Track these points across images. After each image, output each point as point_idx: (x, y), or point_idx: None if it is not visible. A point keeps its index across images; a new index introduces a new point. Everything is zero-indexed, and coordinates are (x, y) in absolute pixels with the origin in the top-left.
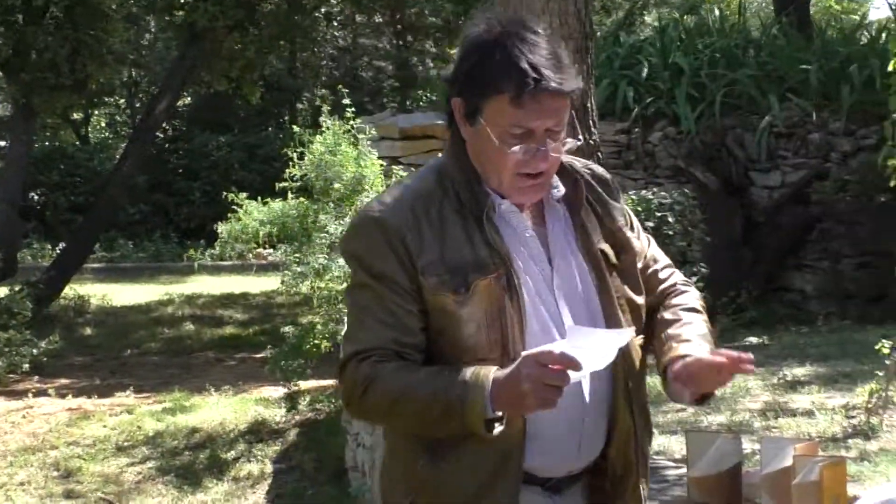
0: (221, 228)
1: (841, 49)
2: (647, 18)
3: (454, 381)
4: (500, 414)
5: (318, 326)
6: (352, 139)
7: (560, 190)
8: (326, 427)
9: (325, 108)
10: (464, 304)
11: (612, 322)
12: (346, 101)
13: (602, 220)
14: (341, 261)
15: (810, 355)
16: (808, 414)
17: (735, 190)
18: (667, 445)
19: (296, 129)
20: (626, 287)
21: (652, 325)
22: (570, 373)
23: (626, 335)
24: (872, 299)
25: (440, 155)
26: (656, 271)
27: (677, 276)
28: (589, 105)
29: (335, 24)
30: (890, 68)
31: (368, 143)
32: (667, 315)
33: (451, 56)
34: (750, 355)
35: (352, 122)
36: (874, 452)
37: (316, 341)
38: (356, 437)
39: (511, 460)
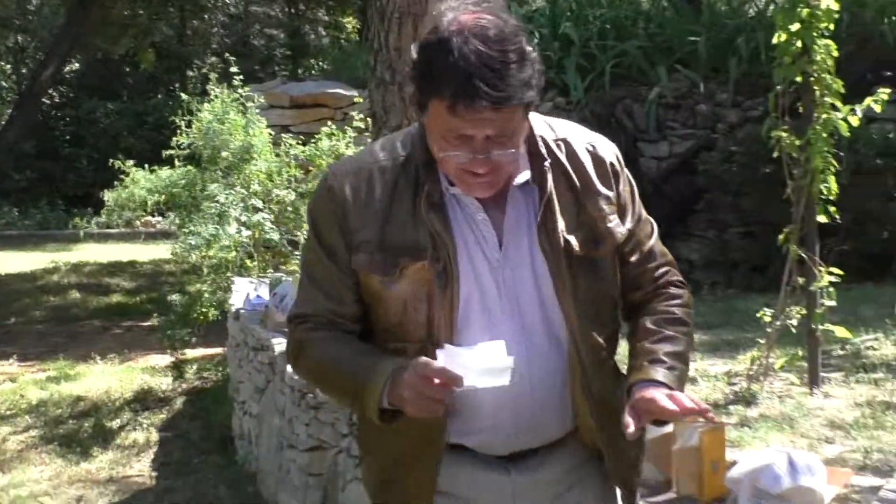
0: (108, 196)
1: (729, 21)
2: None
3: (364, 365)
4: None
5: (206, 295)
6: (240, 107)
7: (525, 175)
8: (213, 395)
9: (213, 76)
10: (389, 285)
11: (563, 312)
12: (235, 69)
13: (582, 207)
14: (230, 230)
15: (695, 323)
16: (691, 381)
17: (624, 160)
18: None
19: (184, 96)
20: (596, 277)
21: (634, 325)
22: (467, 382)
23: (498, 346)
24: (757, 268)
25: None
26: (649, 268)
27: (672, 276)
28: None
29: None
30: (775, 41)
31: (258, 111)
32: (648, 323)
33: (343, 23)
34: (707, 409)
35: (241, 90)
36: (754, 419)
37: (203, 310)
38: (243, 405)
39: (434, 431)
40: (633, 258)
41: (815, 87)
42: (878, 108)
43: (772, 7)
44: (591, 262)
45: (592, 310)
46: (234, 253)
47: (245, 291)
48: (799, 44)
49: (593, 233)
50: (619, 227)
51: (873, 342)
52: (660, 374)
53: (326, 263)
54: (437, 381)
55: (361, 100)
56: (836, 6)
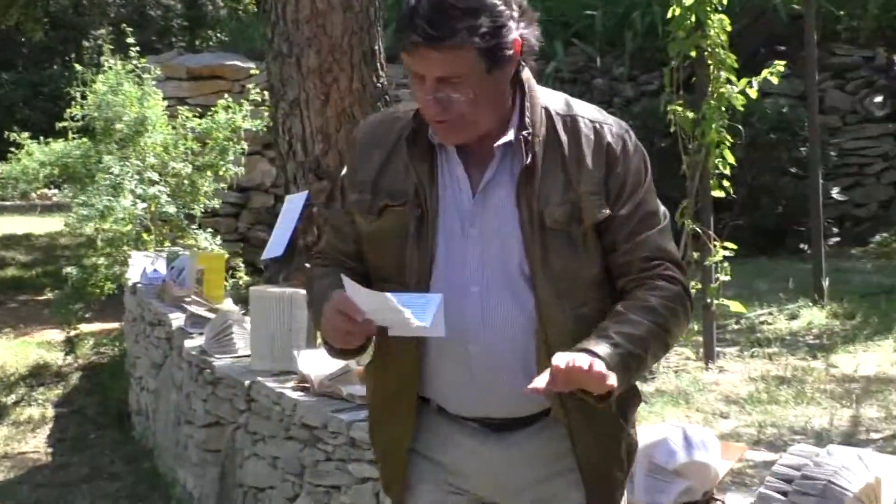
0: (2, 169)
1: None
2: None
3: (321, 301)
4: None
5: (102, 269)
6: (136, 79)
7: (507, 138)
8: (110, 371)
9: (107, 47)
10: (371, 224)
11: (532, 282)
12: (131, 39)
13: (570, 183)
14: (126, 202)
15: None
16: None
17: None
18: None
19: (79, 67)
20: (573, 254)
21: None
22: (392, 329)
23: (383, 297)
24: None
25: None
26: (640, 257)
27: (665, 270)
28: (377, 48)
29: None
30: (669, 15)
31: (154, 83)
32: (619, 307)
33: None
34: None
35: (136, 61)
36: (650, 394)
37: (99, 284)
38: (140, 380)
39: (408, 385)
40: (625, 245)
41: (710, 62)
42: (774, 80)
43: None
44: (567, 237)
45: (563, 285)
46: (129, 226)
47: (142, 265)
48: (693, 18)
49: (574, 209)
50: (600, 209)
51: (767, 317)
52: (599, 347)
53: (338, 203)
54: (341, 311)
55: (259, 72)
56: None
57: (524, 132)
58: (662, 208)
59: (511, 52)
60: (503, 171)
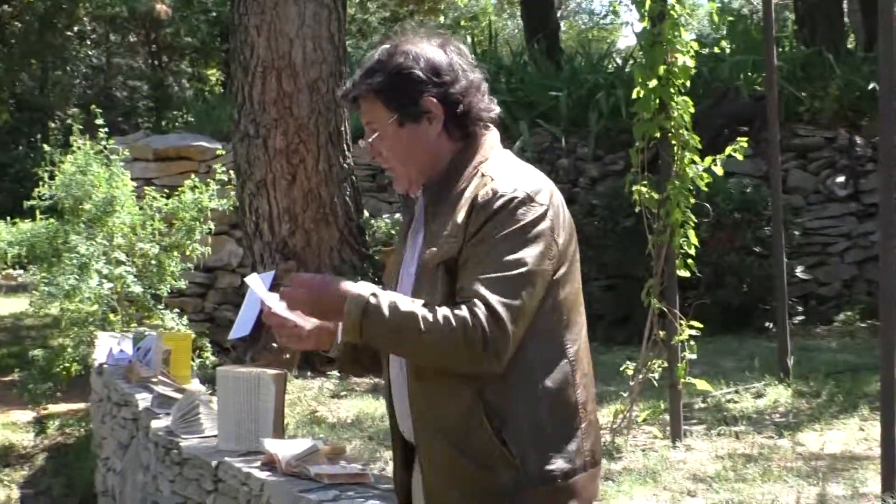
0: None
1: (589, 77)
2: None
3: None
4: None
5: (69, 349)
6: (104, 159)
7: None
8: (76, 451)
9: (76, 127)
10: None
11: None
12: (100, 120)
13: (443, 228)
14: (92, 282)
15: None
16: None
17: None
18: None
19: (46, 147)
20: (432, 287)
21: None
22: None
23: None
24: (618, 321)
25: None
26: (460, 297)
27: (469, 303)
28: (343, 129)
29: (88, 42)
30: (633, 97)
31: (122, 163)
32: None
33: (207, 76)
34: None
35: (104, 142)
36: (618, 472)
37: (66, 364)
38: (106, 461)
39: (389, 413)
40: (458, 287)
41: (674, 143)
42: (739, 157)
43: (631, 63)
44: (432, 275)
45: None
46: (95, 306)
47: (108, 346)
48: (657, 100)
49: (432, 250)
50: (443, 252)
51: (734, 395)
52: (360, 285)
53: None
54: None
55: (224, 152)
56: (692, 63)
57: (428, 183)
58: (520, 269)
59: (420, 109)
60: (418, 213)
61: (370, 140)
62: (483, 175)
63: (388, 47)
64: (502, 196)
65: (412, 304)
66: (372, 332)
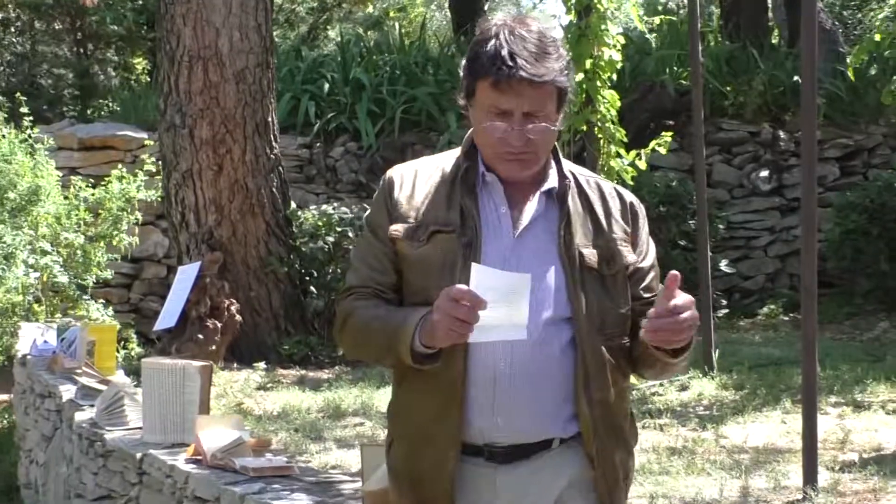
0: None
1: None
2: (331, 33)
3: (399, 315)
4: (429, 349)
5: None
6: (28, 148)
7: (551, 184)
8: None
9: (1, 115)
10: (416, 248)
11: (574, 317)
12: (25, 109)
13: (600, 230)
14: (18, 271)
15: None
16: None
17: None
18: (343, 459)
19: None
20: (604, 291)
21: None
22: (480, 331)
23: (526, 279)
24: None
25: None
26: (647, 299)
27: None
28: (270, 119)
29: (13, 30)
30: None
31: (46, 153)
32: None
33: (133, 65)
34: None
35: (29, 131)
36: None
37: None
38: (29, 453)
39: (453, 403)
40: (646, 295)
41: (600, 136)
42: (663, 151)
43: None
44: (600, 277)
45: (598, 320)
46: (21, 296)
47: (32, 336)
48: (584, 94)
49: (606, 254)
50: (629, 254)
51: (658, 388)
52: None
53: (370, 240)
54: (463, 302)
55: (151, 143)
56: (618, 57)
57: (565, 180)
58: None
59: (570, 96)
60: (542, 214)
61: (541, 126)
62: (597, 180)
63: (547, 30)
64: (639, 204)
65: None
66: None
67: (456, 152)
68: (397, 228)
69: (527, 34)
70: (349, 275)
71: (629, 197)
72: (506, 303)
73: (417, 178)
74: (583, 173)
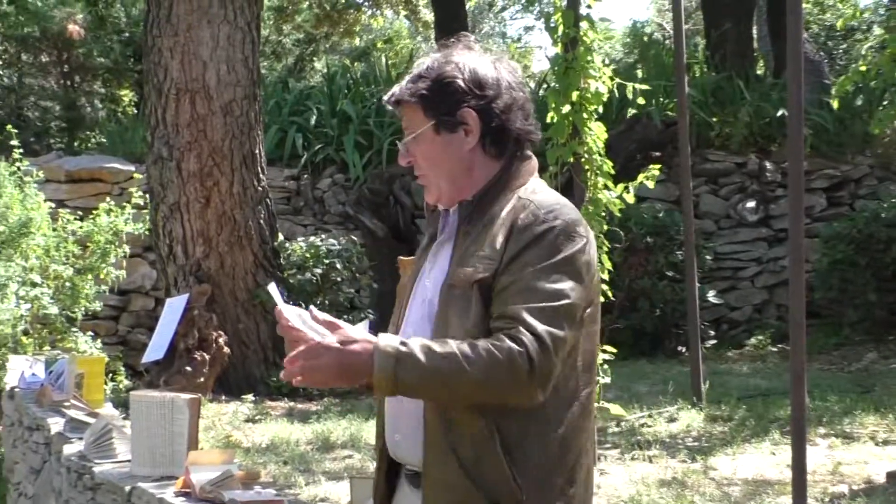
0: None
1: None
2: (317, 65)
3: None
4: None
5: None
6: (18, 181)
7: (454, 207)
8: None
9: None
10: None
11: (433, 330)
12: (15, 141)
13: (478, 248)
14: (10, 303)
15: None
16: None
17: (402, 237)
18: (332, 492)
19: None
20: (453, 308)
21: None
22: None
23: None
24: None
25: None
26: (500, 323)
27: (513, 330)
28: (257, 152)
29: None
30: (548, 121)
31: (35, 185)
32: None
33: (120, 97)
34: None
35: (19, 162)
36: None
37: None
38: (18, 486)
39: (379, 433)
40: (497, 311)
41: (587, 168)
42: (650, 185)
43: (544, 88)
44: (464, 296)
45: (449, 336)
46: (10, 328)
47: (20, 369)
48: (570, 126)
49: (463, 271)
50: (483, 272)
51: (647, 419)
52: (386, 337)
53: None
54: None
55: (140, 176)
56: (605, 89)
57: (468, 199)
58: (563, 301)
59: (457, 120)
60: (447, 229)
61: (405, 142)
62: (521, 198)
63: (440, 56)
64: (544, 222)
65: (447, 344)
66: (409, 381)
67: None
68: None
69: (424, 58)
70: None
71: (524, 214)
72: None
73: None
74: (524, 193)
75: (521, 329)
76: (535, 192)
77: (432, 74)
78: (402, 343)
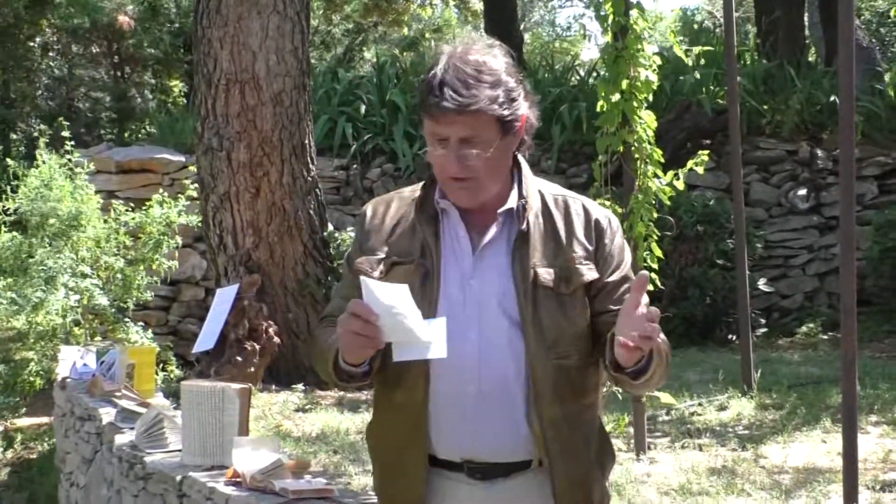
0: None
1: (552, 90)
2: (367, 55)
3: (333, 336)
4: (357, 367)
5: (33, 364)
6: (68, 173)
7: (510, 205)
8: (39, 466)
9: (43, 140)
10: (379, 280)
11: (523, 334)
12: (66, 133)
13: (560, 250)
14: (60, 294)
15: None
16: None
17: None
18: None
19: (10, 161)
20: (561, 310)
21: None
22: (398, 348)
23: (403, 288)
24: None
25: None
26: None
27: None
28: (307, 142)
29: (51, 53)
30: (598, 110)
31: (86, 177)
32: None
33: (170, 87)
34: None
35: (69, 155)
36: None
37: (31, 378)
38: (70, 476)
39: (420, 428)
40: (616, 307)
41: (637, 157)
42: (700, 171)
43: (594, 76)
44: (556, 296)
45: (551, 338)
46: (61, 319)
47: (72, 360)
48: (620, 115)
49: (564, 273)
50: (589, 272)
51: (697, 408)
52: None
53: (345, 271)
54: (356, 315)
55: (193, 167)
56: (654, 77)
57: (522, 201)
58: None
59: (518, 123)
60: (502, 234)
61: (475, 153)
62: (550, 193)
63: (491, 60)
64: (609, 217)
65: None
66: (657, 367)
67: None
68: (361, 261)
69: (463, 65)
70: (328, 304)
71: (596, 213)
72: (404, 313)
73: (389, 210)
74: (554, 192)
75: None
76: (564, 190)
77: (498, 79)
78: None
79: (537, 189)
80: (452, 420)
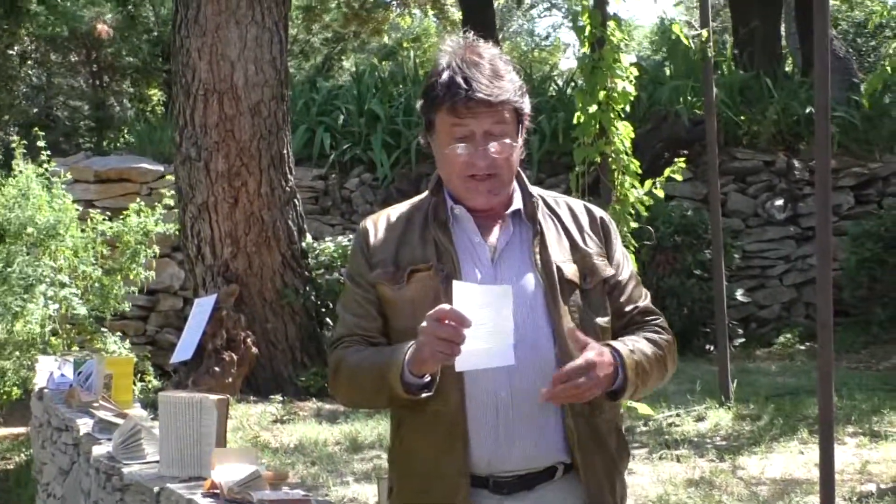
0: None
1: (530, 99)
2: (346, 64)
3: (388, 351)
4: (421, 379)
5: (9, 373)
6: (45, 182)
7: (517, 206)
8: (16, 477)
9: (19, 151)
10: (399, 291)
11: (553, 332)
12: (42, 143)
13: (574, 246)
14: (39, 303)
15: None
16: None
17: None
18: (360, 493)
19: None
20: (585, 304)
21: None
22: (467, 356)
23: (507, 289)
24: None
25: None
26: (637, 312)
27: (656, 322)
28: (285, 152)
29: (30, 62)
30: (575, 121)
31: (63, 186)
32: (629, 334)
33: (149, 96)
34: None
35: (46, 165)
36: None
37: (7, 388)
38: (47, 487)
39: (456, 437)
40: (628, 305)
41: (614, 167)
42: (678, 178)
43: (571, 87)
44: (581, 292)
45: (586, 334)
46: (40, 328)
47: (49, 370)
48: (597, 125)
49: (584, 268)
50: (606, 267)
51: (675, 419)
52: (617, 343)
53: (353, 289)
54: (447, 321)
55: (171, 176)
56: (631, 88)
57: (532, 199)
58: None
59: (527, 118)
60: (512, 233)
61: (509, 142)
62: (556, 197)
63: (499, 55)
64: (609, 217)
65: (640, 342)
66: (638, 383)
67: (425, 195)
68: (378, 274)
69: (479, 59)
70: (337, 327)
71: (599, 212)
72: (491, 318)
73: (389, 224)
74: (549, 194)
75: (659, 319)
76: (558, 195)
77: (517, 74)
78: (626, 348)
79: (539, 196)
80: (486, 426)
